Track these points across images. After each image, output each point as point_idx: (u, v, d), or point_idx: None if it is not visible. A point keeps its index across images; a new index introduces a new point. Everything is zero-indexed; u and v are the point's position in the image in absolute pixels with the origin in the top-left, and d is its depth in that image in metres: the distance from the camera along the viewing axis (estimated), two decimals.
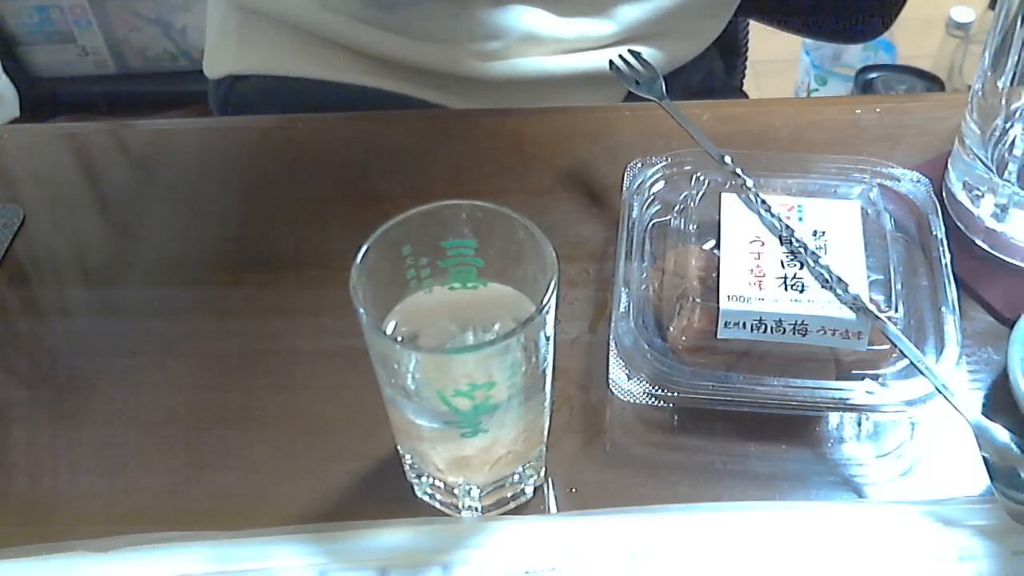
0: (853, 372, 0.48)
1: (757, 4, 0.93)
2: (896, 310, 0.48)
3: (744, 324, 0.48)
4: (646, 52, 0.74)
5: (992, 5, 1.59)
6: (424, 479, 0.46)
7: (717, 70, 0.91)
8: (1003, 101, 0.55)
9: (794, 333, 0.48)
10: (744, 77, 1.00)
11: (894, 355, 0.48)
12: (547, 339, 0.41)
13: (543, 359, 0.41)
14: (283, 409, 0.52)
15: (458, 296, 0.44)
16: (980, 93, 0.56)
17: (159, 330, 0.56)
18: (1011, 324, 0.50)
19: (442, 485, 0.46)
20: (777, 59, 0.99)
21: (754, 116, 0.68)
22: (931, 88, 1.68)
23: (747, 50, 0.99)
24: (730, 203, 0.53)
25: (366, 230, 0.41)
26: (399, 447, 0.46)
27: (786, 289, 0.48)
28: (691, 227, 0.53)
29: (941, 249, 0.52)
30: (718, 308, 0.48)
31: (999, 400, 0.50)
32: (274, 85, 0.78)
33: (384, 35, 0.74)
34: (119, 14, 1.55)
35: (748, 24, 0.97)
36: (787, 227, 0.51)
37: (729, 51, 0.97)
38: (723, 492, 0.47)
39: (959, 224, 0.58)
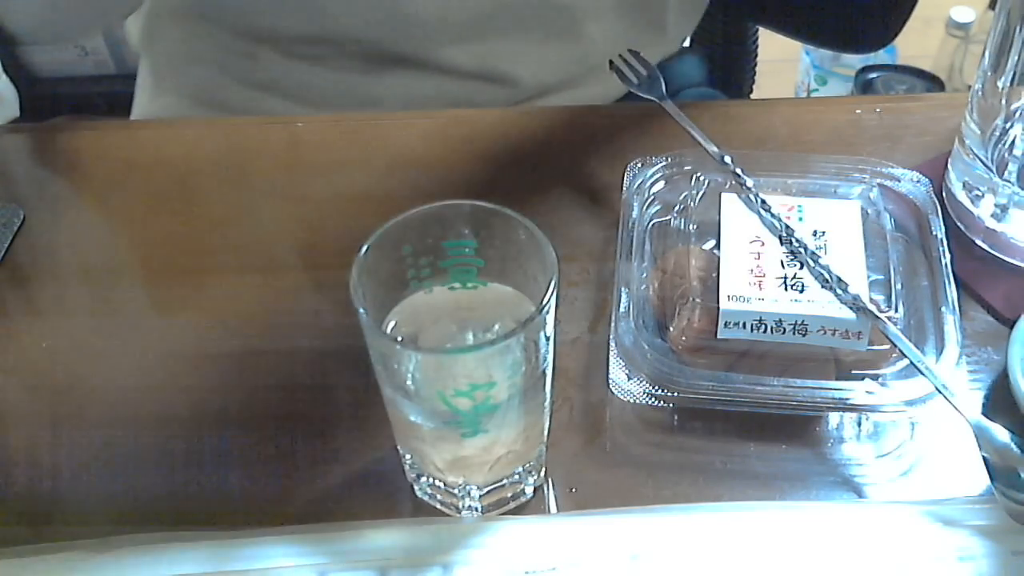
0: (853, 372, 0.48)
1: (758, 7, 0.92)
2: (896, 310, 0.48)
3: (744, 324, 0.48)
4: (560, 99, 0.75)
5: (992, 5, 1.59)
6: (424, 479, 0.46)
7: (693, 75, 0.91)
8: (1003, 101, 0.55)
9: (794, 333, 0.48)
10: (753, 83, 1.00)
11: (894, 355, 0.48)
12: (547, 339, 0.40)
13: (543, 359, 0.41)
14: (283, 409, 0.52)
15: (458, 296, 0.44)
16: (980, 93, 0.56)
17: (159, 330, 0.56)
18: (1011, 324, 0.50)
19: (442, 485, 0.46)
20: (777, 59, 0.99)
21: (754, 116, 0.68)
22: (931, 88, 1.68)
23: (756, 56, 0.98)
24: (730, 203, 0.53)
25: (366, 230, 0.41)
26: (399, 447, 0.46)
27: (786, 289, 0.48)
28: (691, 227, 0.53)
29: (941, 249, 0.52)
30: (718, 308, 0.48)
31: (999, 400, 0.50)
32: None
33: (262, 96, 0.74)
34: None
35: (757, 31, 0.97)
36: (787, 227, 0.51)
37: (736, 56, 0.97)
38: (723, 492, 0.47)
39: (959, 224, 0.58)
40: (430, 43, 0.70)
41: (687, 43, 0.90)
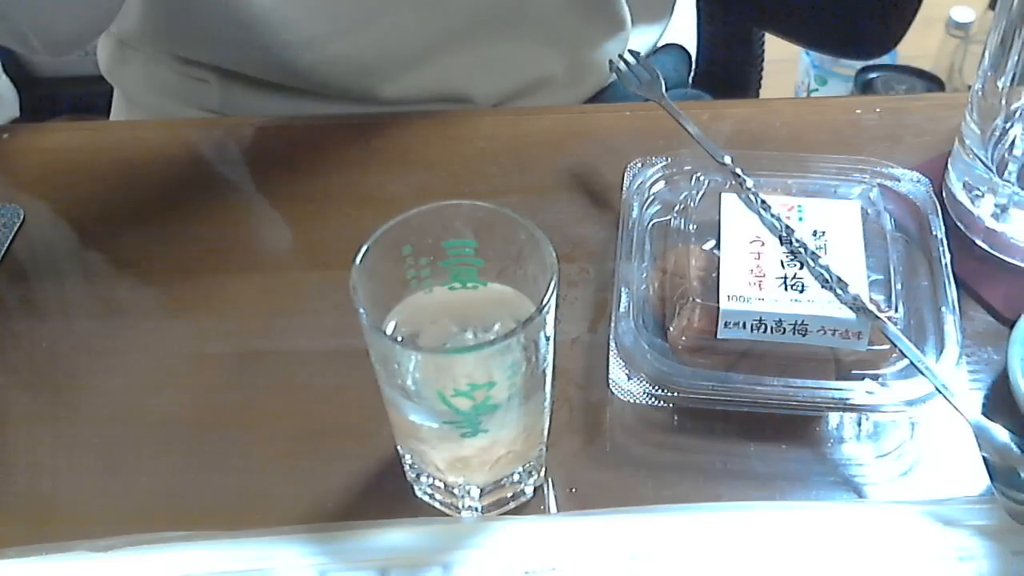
0: (853, 372, 0.48)
1: (759, 13, 0.92)
2: (896, 310, 0.48)
3: (744, 324, 0.48)
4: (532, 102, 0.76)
5: (992, 5, 1.59)
6: (424, 479, 0.46)
7: (670, 76, 0.90)
8: (1003, 101, 0.55)
9: (794, 333, 0.48)
10: (760, 85, 1.00)
11: (894, 355, 0.48)
12: (547, 339, 0.41)
13: (543, 359, 0.41)
14: (283, 409, 0.52)
15: (458, 296, 0.44)
16: (980, 93, 0.56)
17: (159, 330, 0.56)
18: (1011, 324, 0.50)
19: (442, 485, 0.46)
20: (777, 59, 1.00)
21: (754, 116, 0.68)
22: (931, 88, 1.68)
23: (763, 59, 0.98)
24: (730, 203, 0.53)
25: (366, 230, 0.41)
26: (399, 447, 0.46)
27: (786, 289, 0.48)
28: (691, 227, 0.53)
29: (941, 249, 0.52)
30: (718, 308, 0.48)
31: (999, 400, 0.50)
32: None
33: None
34: None
35: (763, 33, 0.97)
36: (787, 227, 0.51)
37: (742, 58, 0.97)
38: (723, 492, 0.47)
39: (959, 224, 0.58)
40: (379, 77, 0.71)
41: (665, 41, 0.89)
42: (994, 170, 0.56)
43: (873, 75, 1.68)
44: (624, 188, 0.56)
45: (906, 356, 0.47)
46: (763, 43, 0.98)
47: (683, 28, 0.92)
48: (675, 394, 0.47)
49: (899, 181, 0.56)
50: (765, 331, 0.48)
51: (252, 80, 0.73)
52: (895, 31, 0.82)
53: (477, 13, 0.70)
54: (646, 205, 0.56)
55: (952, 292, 0.50)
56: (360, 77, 0.71)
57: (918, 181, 0.56)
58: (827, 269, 0.49)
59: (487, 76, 0.73)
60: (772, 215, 0.52)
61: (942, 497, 0.46)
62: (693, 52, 0.94)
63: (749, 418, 0.49)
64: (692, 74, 0.98)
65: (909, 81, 1.67)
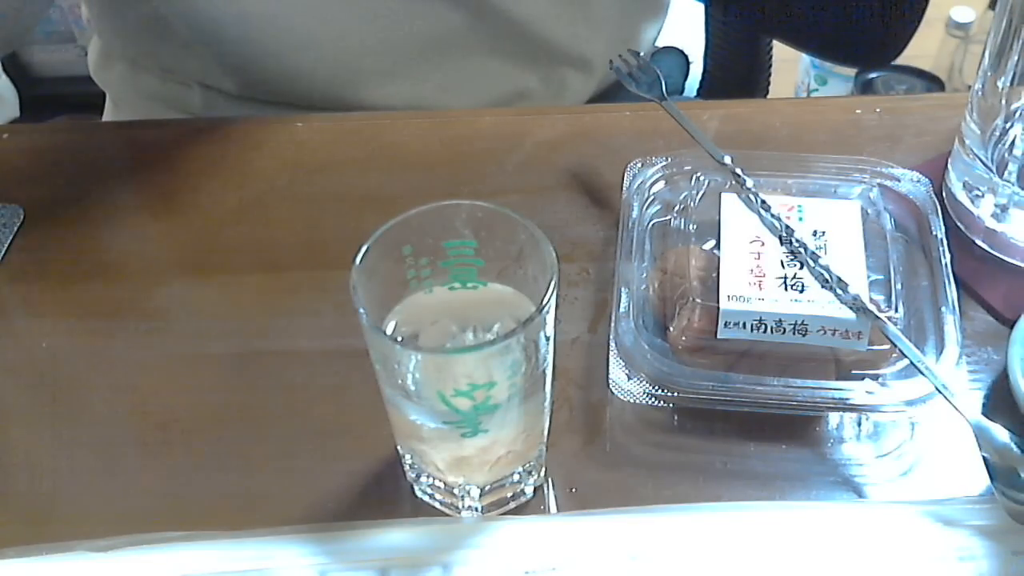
0: (853, 372, 0.48)
1: (760, 23, 0.92)
2: (896, 310, 0.48)
3: (744, 324, 0.48)
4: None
5: (992, 5, 1.59)
6: (424, 479, 0.46)
7: (670, 73, 0.91)
8: (1003, 101, 0.55)
9: (794, 333, 0.48)
10: (768, 88, 1.00)
11: (894, 355, 0.48)
12: (547, 339, 0.41)
13: (543, 359, 0.41)
14: (283, 409, 0.52)
15: (458, 296, 0.44)
16: (980, 93, 0.56)
17: (159, 330, 0.56)
18: (1011, 324, 0.50)
19: (442, 485, 0.46)
20: (777, 59, 1.00)
21: (754, 116, 0.68)
22: (931, 88, 1.68)
23: (770, 64, 0.98)
24: (730, 203, 0.53)
25: (366, 230, 0.41)
26: (399, 447, 0.46)
27: (786, 289, 0.48)
28: (691, 227, 0.53)
29: (941, 249, 0.52)
30: (718, 308, 0.48)
31: (999, 400, 0.50)
32: None
33: None
34: None
35: (771, 42, 0.97)
36: (787, 227, 0.51)
37: (749, 62, 0.97)
38: (723, 492, 0.47)
39: (959, 224, 0.58)
40: (353, 89, 0.72)
41: (662, 44, 0.89)
42: (994, 170, 0.56)
43: (873, 75, 1.68)
44: (624, 188, 0.56)
45: (906, 356, 0.47)
46: (771, 47, 0.98)
47: (684, 31, 0.92)
48: (675, 394, 0.47)
49: (899, 181, 0.56)
50: (765, 331, 0.48)
51: (232, 92, 0.74)
52: (897, 39, 0.82)
53: (451, 26, 0.70)
54: (646, 205, 0.56)
55: (952, 292, 0.50)
56: (336, 89, 0.71)
57: (918, 181, 0.56)
58: (827, 269, 0.49)
59: (463, 89, 0.74)
60: (772, 215, 0.52)
61: (942, 497, 0.46)
62: (694, 56, 0.94)
63: (749, 418, 0.49)
64: (699, 79, 0.97)
65: (909, 81, 1.67)
